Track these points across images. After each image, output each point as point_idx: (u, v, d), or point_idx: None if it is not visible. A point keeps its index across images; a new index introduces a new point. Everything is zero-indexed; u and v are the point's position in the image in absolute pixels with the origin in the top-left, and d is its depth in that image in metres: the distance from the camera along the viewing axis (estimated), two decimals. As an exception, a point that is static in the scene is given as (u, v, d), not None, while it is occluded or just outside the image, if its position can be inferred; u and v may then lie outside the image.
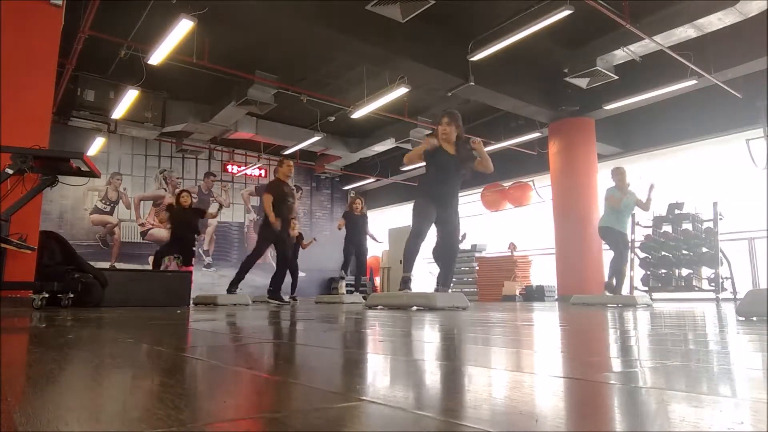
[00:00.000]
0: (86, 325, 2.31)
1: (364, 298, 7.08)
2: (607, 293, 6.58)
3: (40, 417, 0.58)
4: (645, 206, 6.77)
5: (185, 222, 7.68)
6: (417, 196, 5.00)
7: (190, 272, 7.36)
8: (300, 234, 9.68)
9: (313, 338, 1.85)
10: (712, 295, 7.83)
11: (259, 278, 13.89)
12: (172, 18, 6.57)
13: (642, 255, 8.42)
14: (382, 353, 1.35)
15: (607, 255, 9.24)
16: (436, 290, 4.79)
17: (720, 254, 7.78)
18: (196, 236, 8.00)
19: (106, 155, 12.48)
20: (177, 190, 8.15)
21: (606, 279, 6.78)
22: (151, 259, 12.62)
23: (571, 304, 6.67)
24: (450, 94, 8.76)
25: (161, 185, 13.44)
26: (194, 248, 8.00)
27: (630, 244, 6.94)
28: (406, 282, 4.76)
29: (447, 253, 4.99)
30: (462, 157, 4.87)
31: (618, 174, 6.79)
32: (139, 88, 9.07)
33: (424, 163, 5.13)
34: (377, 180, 15.09)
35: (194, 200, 8.14)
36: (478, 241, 12.68)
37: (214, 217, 8.42)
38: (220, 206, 8.31)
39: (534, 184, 12.43)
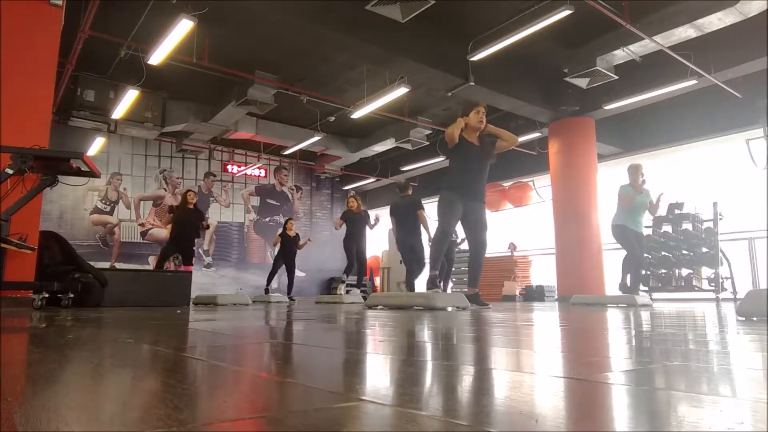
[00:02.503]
0: (86, 325, 2.31)
1: (364, 298, 7.10)
2: (621, 293, 6.41)
3: (40, 417, 0.58)
4: (652, 211, 6.63)
5: (188, 221, 7.68)
6: (442, 189, 4.90)
7: (190, 272, 7.36)
8: (297, 234, 9.70)
9: (313, 338, 1.85)
10: (712, 295, 7.84)
11: (259, 278, 13.93)
12: (172, 18, 6.57)
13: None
14: (382, 353, 1.35)
15: (608, 255, 9.27)
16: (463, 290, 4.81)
17: (720, 254, 7.78)
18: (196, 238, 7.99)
19: (106, 155, 12.48)
20: (184, 190, 8.14)
21: (621, 279, 6.52)
22: (151, 259, 12.69)
23: (571, 304, 6.67)
24: (450, 94, 8.75)
25: (161, 185, 13.44)
26: (194, 248, 7.98)
27: (642, 242, 6.67)
28: (433, 281, 4.74)
29: (476, 249, 4.95)
30: (485, 146, 4.87)
31: (632, 171, 6.51)
32: (139, 88, 9.07)
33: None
34: (377, 180, 15.09)
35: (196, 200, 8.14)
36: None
37: (207, 228, 8.51)
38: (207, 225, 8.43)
39: (534, 184, 12.43)
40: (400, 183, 7.56)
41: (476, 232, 4.92)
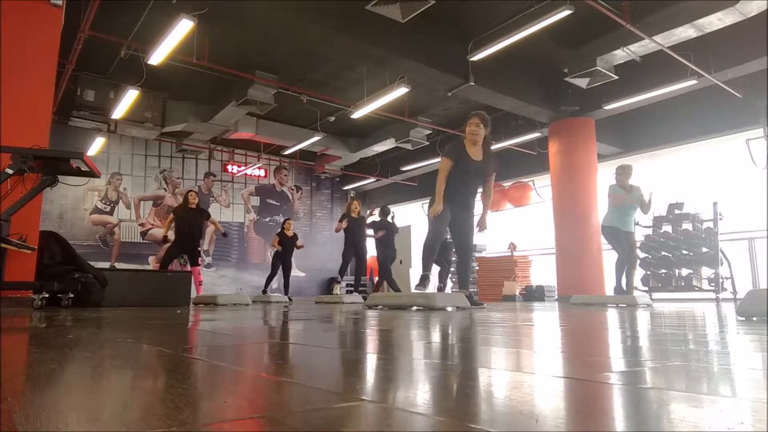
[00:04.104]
0: (86, 325, 2.31)
1: (364, 298, 7.12)
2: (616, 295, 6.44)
3: (40, 417, 0.58)
4: (644, 209, 6.65)
5: (191, 221, 7.66)
6: (433, 194, 4.98)
7: (192, 272, 7.34)
8: (294, 234, 9.72)
9: (313, 338, 1.85)
10: (712, 295, 7.84)
11: (259, 278, 13.93)
12: (172, 18, 6.57)
13: (642, 255, 8.41)
14: (382, 353, 1.35)
15: (608, 255, 9.26)
16: (453, 290, 4.89)
17: (720, 254, 7.77)
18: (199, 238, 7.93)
19: (106, 155, 12.48)
20: (186, 190, 8.13)
21: (615, 283, 6.55)
22: (151, 259, 12.69)
23: (571, 304, 6.67)
24: (450, 94, 8.75)
25: (161, 185, 13.44)
26: (199, 248, 7.93)
27: (633, 242, 6.69)
28: (424, 280, 4.76)
29: (461, 251, 5.04)
30: (487, 166, 4.91)
31: (620, 171, 6.58)
32: (139, 88, 9.07)
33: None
34: (377, 180, 15.09)
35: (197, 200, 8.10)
36: (479, 241, 12.68)
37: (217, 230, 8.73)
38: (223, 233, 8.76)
39: (534, 184, 12.43)
40: (387, 209, 8.92)
41: (461, 237, 5.00)
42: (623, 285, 6.43)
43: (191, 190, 7.94)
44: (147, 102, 10.24)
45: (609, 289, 8.96)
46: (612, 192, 6.54)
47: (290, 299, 9.01)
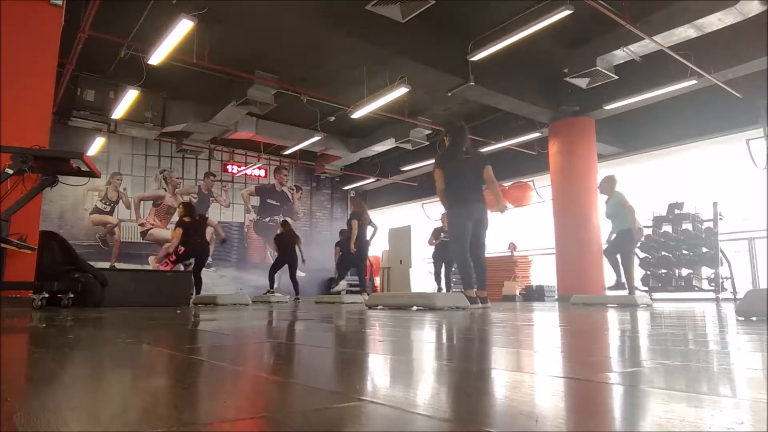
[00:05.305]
0: (86, 325, 2.31)
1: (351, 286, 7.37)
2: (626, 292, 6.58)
3: (40, 417, 0.58)
4: (625, 209, 6.71)
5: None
6: None
7: (190, 272, 7.33)
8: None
9: (313, 338, 1.85)
10: (712, 295, 7.84)
11: (259, 278, 13.93)
12: (172, 18, 6.57)
13: (642, 255, 8.41)
14: (382, 353, 1.35)
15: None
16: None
17: (720, 254, 7.78)
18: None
19: (106, 155, 12.47)
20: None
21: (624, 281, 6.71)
22: (151, 258, 12.70)
23: (571, 304, 6.66)
24: (450, 94, 8.75)
25: (161, 185, 13.44)
26: (180, 250, 7.83)
27: (623, 238, 6.76)
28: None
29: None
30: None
31: (604, 181, 6.88)
32: (139, 88, 9.06)
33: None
34: (377, 180, 15.09)
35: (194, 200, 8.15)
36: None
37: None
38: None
39: (534, 184, 12.42)
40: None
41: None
42: (622, 279, 6.50)
43: (181, 203, 8.16)
44: (147, 102, 10.23)
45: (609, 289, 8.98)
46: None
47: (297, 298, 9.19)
